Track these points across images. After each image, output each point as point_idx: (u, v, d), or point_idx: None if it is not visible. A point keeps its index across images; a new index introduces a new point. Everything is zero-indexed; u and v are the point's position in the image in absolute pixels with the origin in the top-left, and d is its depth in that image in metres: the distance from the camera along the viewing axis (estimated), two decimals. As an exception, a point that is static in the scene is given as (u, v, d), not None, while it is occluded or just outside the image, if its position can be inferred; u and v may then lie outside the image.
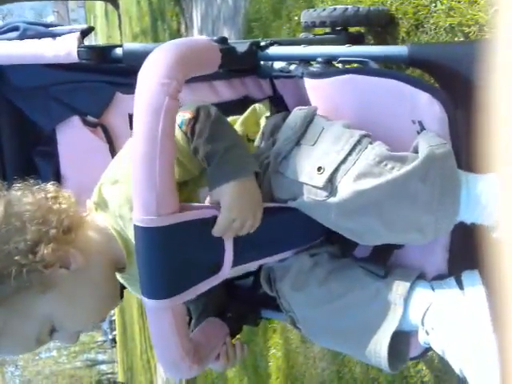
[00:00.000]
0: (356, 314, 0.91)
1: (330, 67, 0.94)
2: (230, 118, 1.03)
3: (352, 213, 0.84)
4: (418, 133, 0.86)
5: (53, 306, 0.84)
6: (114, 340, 22.87)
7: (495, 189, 0.74)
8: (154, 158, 0.81)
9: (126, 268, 0.95)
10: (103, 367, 29.37)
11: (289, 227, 0.97)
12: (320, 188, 0.85)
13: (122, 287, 1.28)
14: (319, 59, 0.95)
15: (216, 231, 0.86)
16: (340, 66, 0.96)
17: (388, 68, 1.19)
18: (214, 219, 0.88)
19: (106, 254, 0.92)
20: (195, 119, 0.89)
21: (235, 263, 0.92)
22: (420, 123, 0.85)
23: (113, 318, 22.84)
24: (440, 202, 0.81)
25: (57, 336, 0.87)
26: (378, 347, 0.88)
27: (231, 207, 0.84)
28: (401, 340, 0.91)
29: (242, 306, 1.16)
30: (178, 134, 0.89)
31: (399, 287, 0.89)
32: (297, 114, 0.94)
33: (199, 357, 0.97)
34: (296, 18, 2.25)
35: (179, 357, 0.93)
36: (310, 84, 0.97)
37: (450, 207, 0.82)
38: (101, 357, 29.12)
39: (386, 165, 0.82)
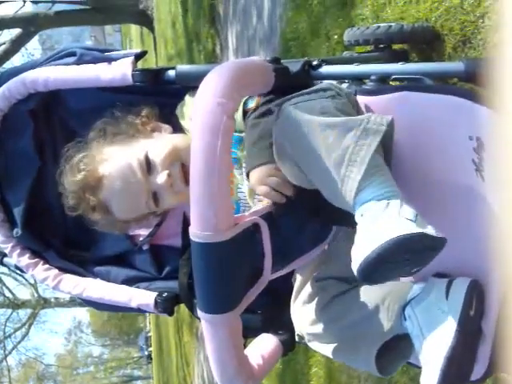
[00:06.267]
0: (353, 330, 1.02)
1: (383, 85, 0.95)
2: None
3: None
4: (474, 149, 0.86)
5: (147, 143, 1.17)
6: (149, 356, 22.97)
7: None
8: (213, 176, 0.83)
9: None
10: (139, 383, 29.55)
11: (301, 227, 1.11)
12: None
13: (175, 303, 1.30)
14: (373, 77, 0.96)
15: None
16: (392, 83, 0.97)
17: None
18: (254, 226, 0.94)
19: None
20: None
21: (274, 266, 0.98)
22: (478, 139, 0.84)
23: (149, 335, 23.01)
24: None
25: (152, 179, 1.14)
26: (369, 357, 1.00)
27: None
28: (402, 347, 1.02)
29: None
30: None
31: (395, 305, 0.99)
32: None
33: (254, 372, 0.98)
34: (335, 36, 2.27)
35: (235, 372, 0.94)
36: (362, 100, 0.99)
37: None
38: (137, 373, 29.33)
39: None
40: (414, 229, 0.78)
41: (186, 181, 1.15)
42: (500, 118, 0.78)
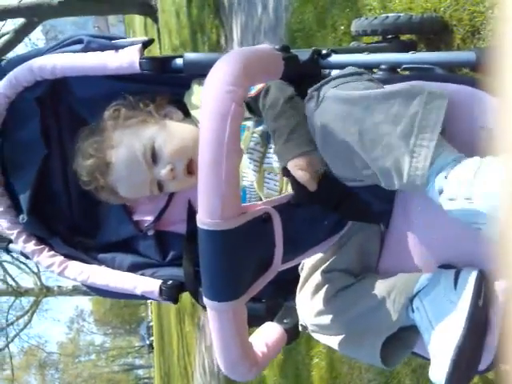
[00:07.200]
0: (359, 323, 1.03)
1: (393, 74, 0.95)
2: None
3: None
4: (485, 139, 0.86)
5: (155, 132, 1.17)
6: (151, 345, 23.06)
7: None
8: (221, 164, 0.83)
9: None
10: (140, 372, 29.75)
11: (315, 219, 1.07)
12: None
13: (179, 291, 1.31)
14: (383, 66, 0.95)
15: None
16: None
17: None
18: (266, 215, 0.93)
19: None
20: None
21: (285, 256, 0.97)
22: (489, 129, 0.84)
23: (150, 324, 23.11)
24: None
25: (156, 170, 1.17)
26: (374, 350, 0.99)
27: None
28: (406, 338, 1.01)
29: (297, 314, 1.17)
30: None
31: (401, 297, 0.98)
32: None
33: (258, 359, 0.99)
34: (342, 27, 2.26)
35: (239, 359, 0.94)
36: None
37: None
38: (138, 362, 29.51)
39: None
40: None
41: (189, 172, 1.18)
42: (504, 107, 0.78)
